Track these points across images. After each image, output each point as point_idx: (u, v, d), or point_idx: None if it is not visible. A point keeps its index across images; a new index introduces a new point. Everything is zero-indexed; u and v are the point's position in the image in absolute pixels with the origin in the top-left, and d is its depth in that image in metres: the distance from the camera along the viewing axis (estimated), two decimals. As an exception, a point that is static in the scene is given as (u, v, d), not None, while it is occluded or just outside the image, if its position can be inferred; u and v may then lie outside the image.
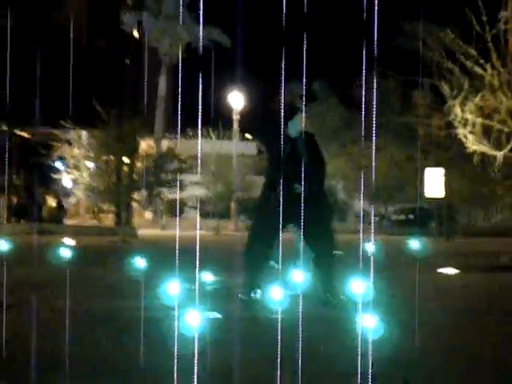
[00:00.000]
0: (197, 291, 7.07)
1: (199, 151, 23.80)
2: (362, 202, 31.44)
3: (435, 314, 6.95)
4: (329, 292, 7.30)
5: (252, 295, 7.24)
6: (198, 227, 25.16)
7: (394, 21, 17.16)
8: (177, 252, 5.04)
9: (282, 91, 6.64)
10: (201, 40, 25.91)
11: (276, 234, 6.90)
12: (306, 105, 7.35)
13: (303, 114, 7.24)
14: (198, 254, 4.84)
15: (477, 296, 8.64)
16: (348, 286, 7.33)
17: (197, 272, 4.74)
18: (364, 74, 4.64)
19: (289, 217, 6.77)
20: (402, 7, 15.29)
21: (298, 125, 7.24)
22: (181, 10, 37.43)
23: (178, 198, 27.53)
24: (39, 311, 6.55)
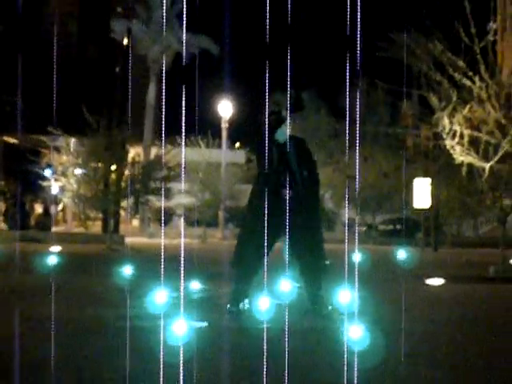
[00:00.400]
0: (183, 300, 7.06)
1: (183, 159, 23.73)
2: (346, 211, 31.44)
3: (422, 324, 6.95)
4: (316, 302, 7.26)
5: (241, 306, 7.18)
6: (185, 235, 25.09)
7: (384, 31, 17.23)
8: (163, 260, 5.02)
9: (268, 100, 6.69)
10: (184, 53, 25.91)
11: (268, 243, 6.76)
12: (293, 112, 7.32)
13: (288, 121, 7.22)
14: (183, 262, 4.82)
15: (464, 306, 8.64)
16: (335, 296, 7.33)
17: (182, 280, 4.72)
18: (349, 85, 4.65)
19: (278, 225, 6.79)
20: (392, 18, 15.36)
21: (286, 131, 7.22)
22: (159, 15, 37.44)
23: (163, 206, 27.46)
24: (23, 319, 6.50)
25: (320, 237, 7.42)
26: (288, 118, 7.19)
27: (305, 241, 7.19)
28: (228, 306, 7.24)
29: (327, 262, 7.46)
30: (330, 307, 7.20)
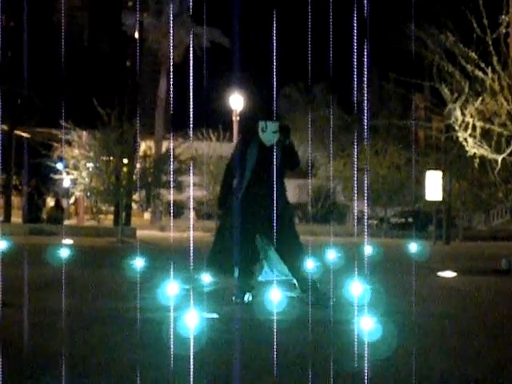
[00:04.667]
0: (194, 292, 7.06)
1: (191, 151, 23.67)
2: (355, 204, 31.37)
3: (433, 316, 6.92)
4: (304, 289, 7.35)
5: (246, 298, 7.34)
6: (196, 228, 25.08)
7: (396, 23, 17.14)
8: (174, 253, 5.02)
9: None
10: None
11: (258, 235, 7.41)
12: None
13: (270, 127, 7.48)
14: (193, 255, 4.82)
15: (476, 299, 8.61)
16: (347, 288, 7.31)
17: (191, 272, 4.71)
18: (359, 77, 4.62)
19: (257, 219, 7.28)
20: (405, 10, 15.27)
21: (271, 136, 7.48)
22: (168, 8, 37.40)
23: (172, 199, 27.48)
24: (36, 311, 6.53)
25: (294, 232, 7.58)
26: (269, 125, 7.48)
27: (280, 234, 7.34)
28: (233, 298, 7.38)
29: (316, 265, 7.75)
30: (326, 296, 7.29)
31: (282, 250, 7.45)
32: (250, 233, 7.34)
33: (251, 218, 7.28)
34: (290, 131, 7.64)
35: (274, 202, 7.17)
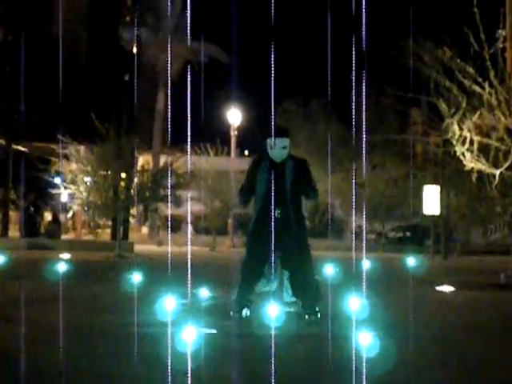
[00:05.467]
0: (192, 307, 7.04)
1: (189, 166, 23.73)
2: (354, 218, 31.38)
3: (432, 331, 6.90)
4: (305, 307, 7.34)
5: (243, 312, 7.30)
6: (194, 243, 25.03)
7: (394, 38, 17.21)
8: (172, 268, 5.01)
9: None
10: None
11: (268, 256, 7.22)
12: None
13: (278, 143, 7.37)
14: (191, 270, 4.80)
15: (475, 313, 8.59)
16: (344, 303, 7.29)
17: (189, 287, 4.69)
18: (357, 94, 4.63)
19: (271, 241, 7.02)
20: (402, 25, 15.34)
21: (279, 152, 7.40)
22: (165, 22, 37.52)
23: (170, 214, 27.47)
24: (33, 325, 6.49)
25: (308, 254, 7.51)
26: (275, 142, 7.38)
27: (294, 257, 7.36)
28: (231, 312, 7.35)
29: (317, 278, 7.68)
30: (318, 312, 7.28)
31: (292, 276, 7.42)
32: (259, 253, 7.27)
33: (263, 241, 7.12)
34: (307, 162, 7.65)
35: (288, 223, 7.19)
